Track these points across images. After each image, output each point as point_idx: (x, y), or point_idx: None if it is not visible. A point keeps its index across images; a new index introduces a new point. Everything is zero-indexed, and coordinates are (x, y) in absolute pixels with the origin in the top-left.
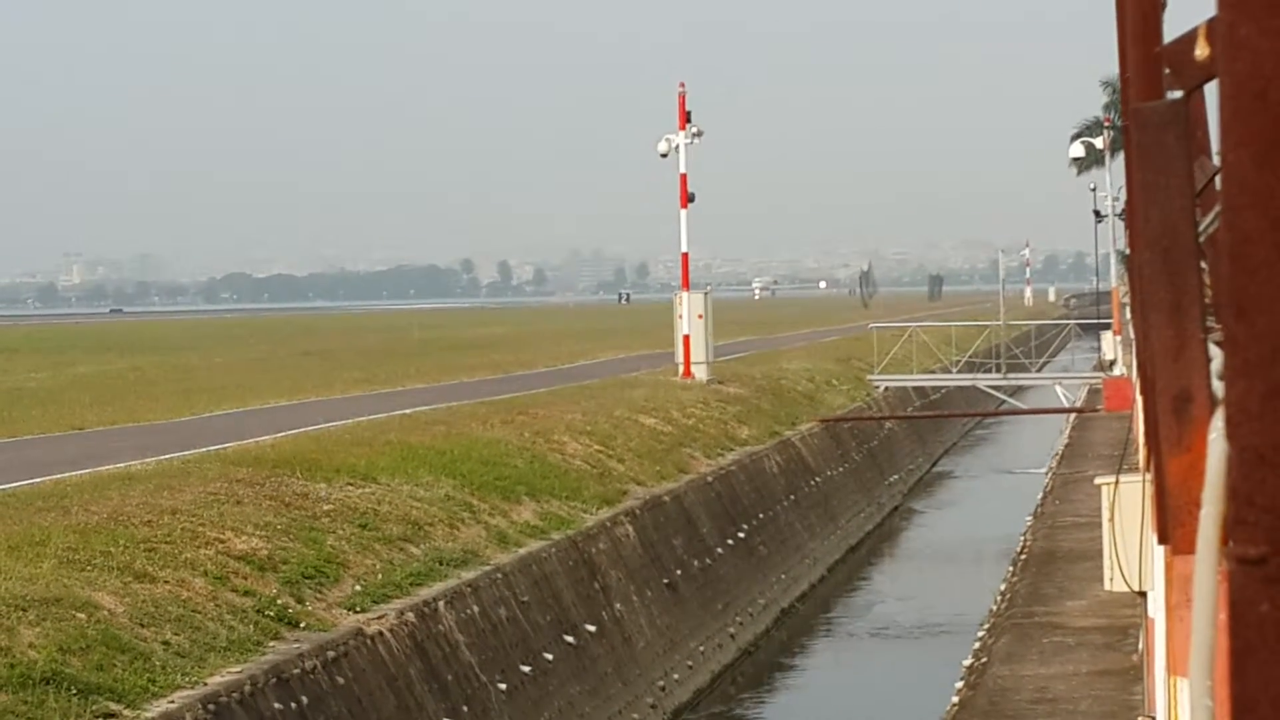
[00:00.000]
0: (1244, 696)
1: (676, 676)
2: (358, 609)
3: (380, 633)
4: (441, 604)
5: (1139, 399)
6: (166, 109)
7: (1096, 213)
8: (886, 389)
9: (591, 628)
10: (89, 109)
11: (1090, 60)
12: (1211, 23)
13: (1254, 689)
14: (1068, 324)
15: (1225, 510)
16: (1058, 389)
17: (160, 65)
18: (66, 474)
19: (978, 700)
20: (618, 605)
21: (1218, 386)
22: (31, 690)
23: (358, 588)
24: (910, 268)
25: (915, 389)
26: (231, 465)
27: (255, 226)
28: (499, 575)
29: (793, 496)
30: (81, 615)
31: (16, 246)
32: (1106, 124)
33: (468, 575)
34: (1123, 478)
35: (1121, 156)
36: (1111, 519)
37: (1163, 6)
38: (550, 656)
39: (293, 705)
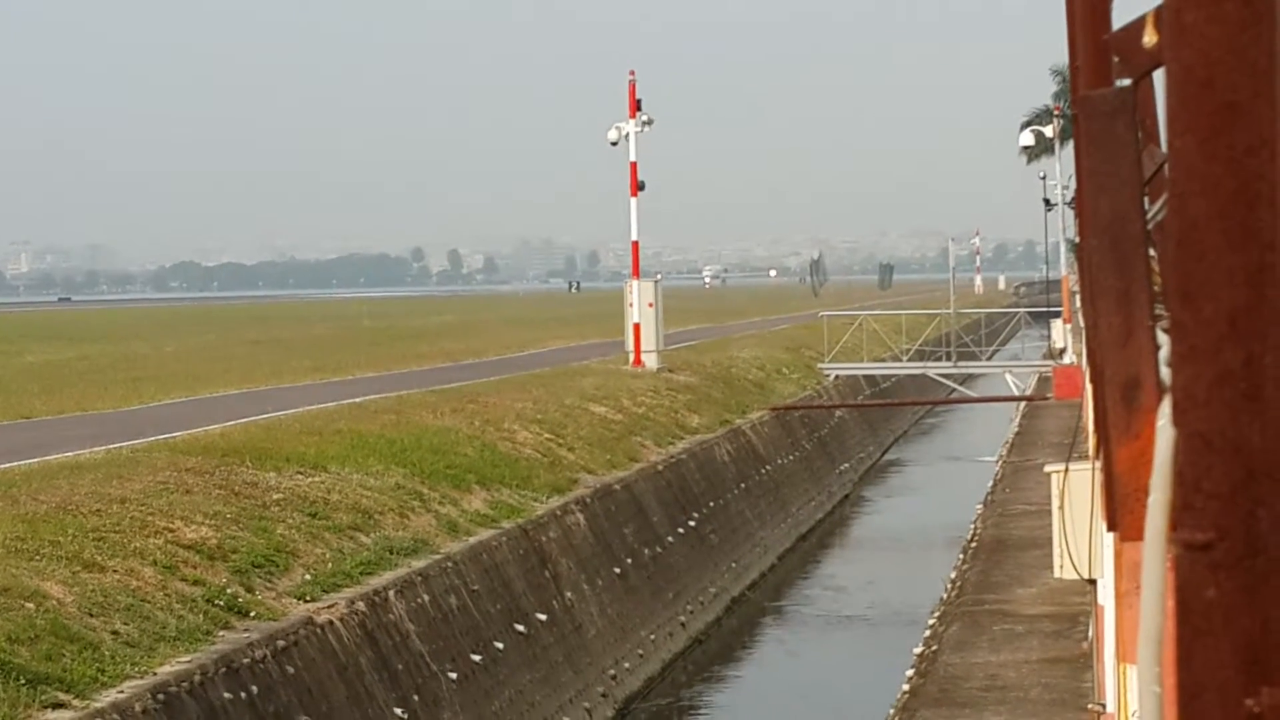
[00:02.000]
0: (1191, 682)
1: (627, 665)
2: (308, 598)
3: (330, 622)
4: (392, 593)
5: (1088, 386)
6: (115, 98)
7: (1046, 201)
8: (837, 377)
9: (542, 616)
10: (35, 97)
11: (1040, 49)
12: (1159, 10)
13: (1201, 674)
14: (1017, 312)
15: (1173, 497)
16: (1008, 377)
17: (108, 53)
18: (14, 463)
19: (928, 688)
20: (568, 594)
21: (1166, 373)
22: None
23: (308, 577)
24: (860, 256)
25: (866, 377)
26: (181, 454)
27: (205, 215)
28: (449, 564)
29: (743, 485)
30: (30, 605)
31: None
32: (1056, 112)
33: (418, 564)
34: (1072, 465)
35: (1071, 145)
36: (1061, 506)
37: None
38: (501, 645)
39: (242, 695)
